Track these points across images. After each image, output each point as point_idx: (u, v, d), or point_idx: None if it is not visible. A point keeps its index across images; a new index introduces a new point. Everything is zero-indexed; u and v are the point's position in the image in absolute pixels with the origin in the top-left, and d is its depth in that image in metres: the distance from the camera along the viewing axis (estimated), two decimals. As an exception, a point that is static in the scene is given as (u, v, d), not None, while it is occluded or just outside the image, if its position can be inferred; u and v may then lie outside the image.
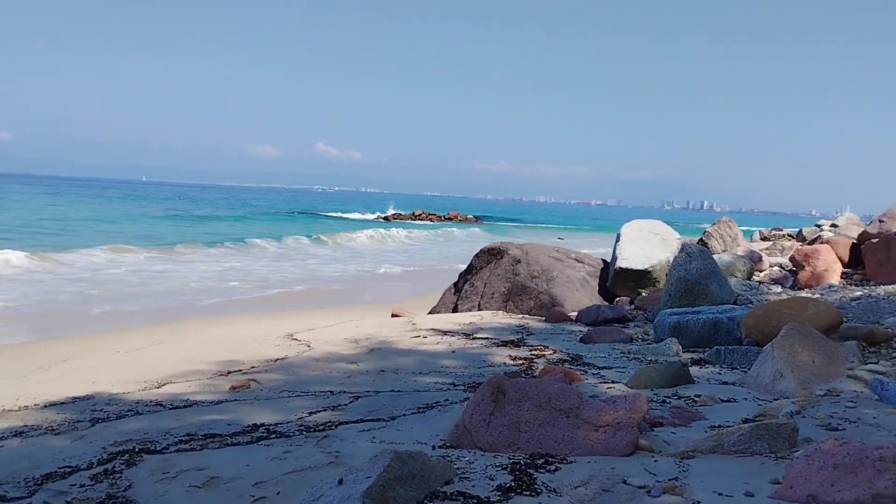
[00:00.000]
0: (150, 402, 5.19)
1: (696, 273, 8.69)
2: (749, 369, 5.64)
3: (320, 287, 17.40)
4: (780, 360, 5.15)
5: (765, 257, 11.93)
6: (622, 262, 11.33)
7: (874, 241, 10.48)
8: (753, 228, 22.26)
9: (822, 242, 11.52)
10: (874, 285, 9.55)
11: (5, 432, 4.42)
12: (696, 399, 4.85)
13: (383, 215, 67.45)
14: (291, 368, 6.54)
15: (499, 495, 2.93)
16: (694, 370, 5.87)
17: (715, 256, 10.39)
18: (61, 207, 49.52)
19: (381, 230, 42.62)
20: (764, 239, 17.34)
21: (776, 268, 11.64)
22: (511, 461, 3.38)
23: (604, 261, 12.54)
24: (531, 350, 7.30)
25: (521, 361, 6.68)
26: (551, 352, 7.16)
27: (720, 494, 2.85)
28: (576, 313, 9.82)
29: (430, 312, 11.70)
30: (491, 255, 11.85)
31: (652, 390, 5.14)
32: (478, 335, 8.31)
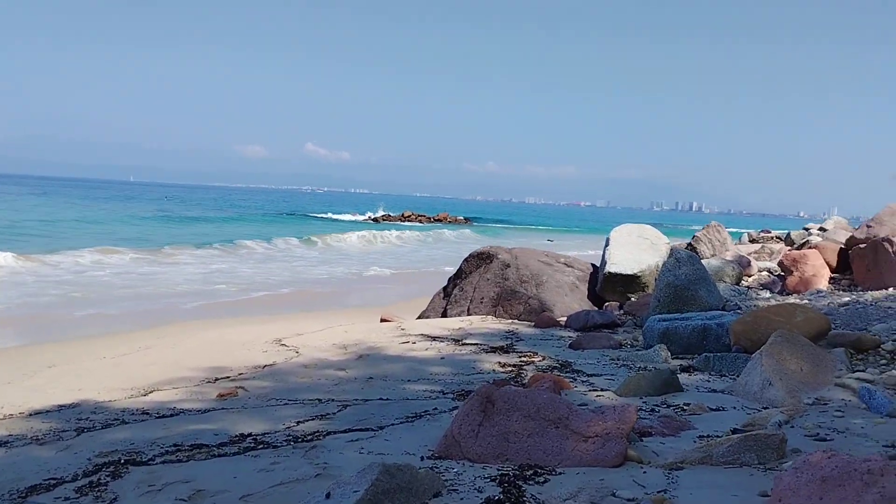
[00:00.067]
0: (137, 410, 5.15)
1: (684, 278, 8.71)
2: (738, 376, 5.65)
3: (309, 290, 17.36)
4: (769, 369, 5.16)
5: (753, 262, 11.98)
6: (611, 267, 11.35)
7: (862, 246, 10.54)
8: (742, 230, 22.34)
9: (810, 247, 11.59)
10: (862, 291, 9.61)
11: (-10, 442, 4.38)
12: (685, 408, 4.85)
13: (373, 216, 67.40)
14: (279, 375, 6.51)
15: (488, 509, 2.91)
16: (683, 377, 5.88)
17: (704, 261, 10.43)
18: (48, 208, 49.18)
19: (373, 231, 42.64)
20: (752, 241, 17.41)
21: (765, 273, 11.69)
22: (500, 473, 3.36)
23: (593, 265, 12.55)
24: (520, 356, 7.29)
25: (510, 368, 6.67)
26: (540, 358, 7.15)
27: (709, 508, 2.85)
28: (565, 318, 9.83)
29: (419, 317, 11.69)
30: (480, 259, 11.84)
31: (641, 398, 5.13)
32: (467, 341, 8.30)
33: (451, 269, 12.73)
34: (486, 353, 7.56)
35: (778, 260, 11.59)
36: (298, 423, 4.60)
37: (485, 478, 3.29)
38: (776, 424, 4.12)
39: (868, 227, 11.01)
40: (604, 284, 11.47)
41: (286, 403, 5.29)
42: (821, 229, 14.88)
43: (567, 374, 6.17)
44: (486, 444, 3.65)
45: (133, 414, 5.03)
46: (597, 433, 3.61)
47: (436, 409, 4.96)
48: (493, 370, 6.61)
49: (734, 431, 3.98)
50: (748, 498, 2.95)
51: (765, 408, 4.76)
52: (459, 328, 9.38)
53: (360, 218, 66.23)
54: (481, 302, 11.00)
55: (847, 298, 8.89)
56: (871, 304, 8.23)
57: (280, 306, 14.27)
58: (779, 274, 11.29)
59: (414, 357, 7.36)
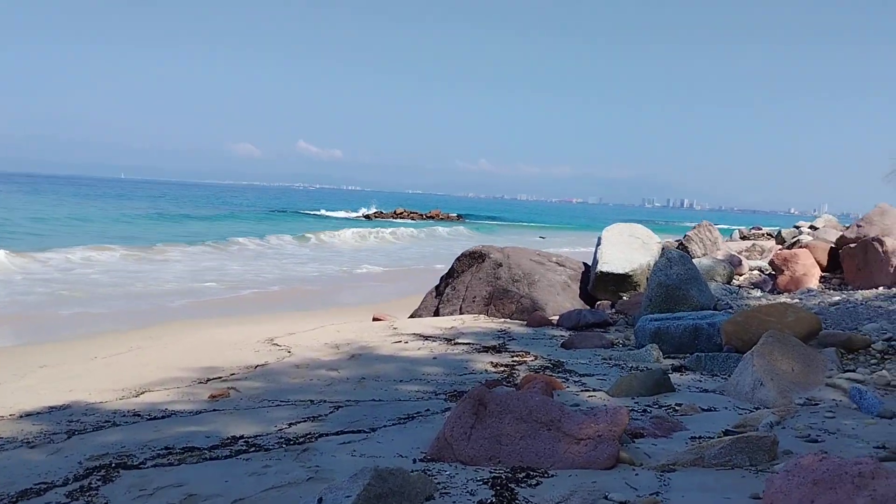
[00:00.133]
0: (128, 412, 5.12)
1: (676, 278, 8.74)
2: (729, 376, 5.67)
3: (299, 287, 17.31)
4: (760, 369, 5.18)
5: (744, 261, 12.02)
6: (603, 266, 11.37)
7: (852, 245, 10.60)
8: (733, 227, 22.42)
9: (801, 246, 11.64)
10: (852, 290, 9.66)
11: (-20, 446, 4.34)
12: (676, 408, 4.86)
13: (366, 213, 67.36)
14: (271, 376, 6.49)
15: (480, 512, 2.92)
16: (674, 377, 5.90)
17: (695, 260, 10.46)
18: (40, 206, 48.88)
19: (368, 228, 42.63)
20: (744, 238, 17.45)
21: (756, 271, 11.73)
22: (492, 475, 3.36)
23: (585, 264, 12.57)
24: (513, 356, 7.30)
25: (502, 368, 6.67)
26: (533, 358, 7.16)
27: (701, 510, 2.86)
28: (557, 317, 9.84)
29: (411, 316, 11.68)
30: (472, 258, 11.84)
31: (633, 399, 5.15)
32: (459, 340, 8.30)
33: (444, 267, 12.72)
34: (479, 352, 7.56)
35: (769, 259, 11.63)
36: (290, 424, 4.58)
37: (477, 480, 3.29)
38: (767, 426, 4.14)
39: (858, 226, 11.07)
40: (596, 283, 11.49)
41: (278, 405, 5.27)
42: (811, 227, 14.92)
43: (559, 374, 6.18)
44: (478, 447, 3.65)
45: (124, 416, 5.00)
46: (589, 435, 3.61)
47: (428, 410, 4.95)
48: (486, 370, 6.61)
49: (726, 433, 3.99)
50: (740, 500, 2.96)
51: (756, 408, 4.78)
52: (452, 327, 9.38)
53: (353, 215, 66.17)
54: (473, 301, 11.00)
55: (837, 298, 8.93)
56: (862, 304, 8.28)
57: (270, 304, 14.23)
58: (770, 273, 11.33)
59: (406, 357, 7.35)
